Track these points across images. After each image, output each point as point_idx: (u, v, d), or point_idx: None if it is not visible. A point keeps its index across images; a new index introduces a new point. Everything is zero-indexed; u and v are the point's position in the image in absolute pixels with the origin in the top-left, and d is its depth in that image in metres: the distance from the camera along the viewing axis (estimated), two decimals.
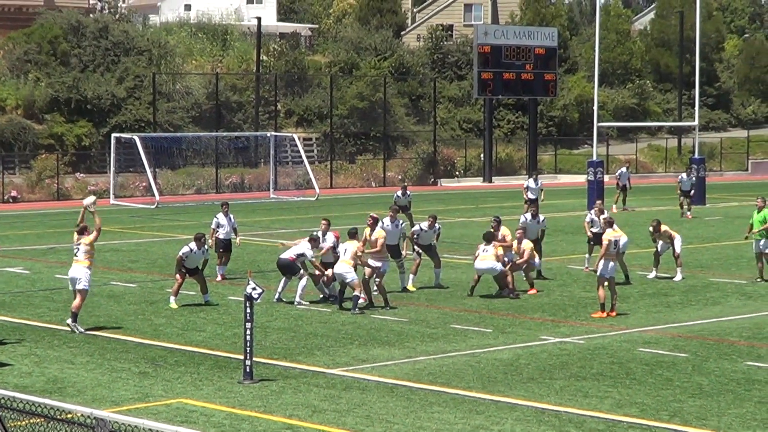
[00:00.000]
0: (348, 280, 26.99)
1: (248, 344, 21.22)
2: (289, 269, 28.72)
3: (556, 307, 29.78)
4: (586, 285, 32.97)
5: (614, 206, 50.69)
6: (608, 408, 19.86)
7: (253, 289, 21.46)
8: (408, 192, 44.43)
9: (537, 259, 31.22)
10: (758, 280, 33.11)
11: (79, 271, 24.91)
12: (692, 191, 51.08)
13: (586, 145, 75.50)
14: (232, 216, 33.04)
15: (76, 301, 25.03)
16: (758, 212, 33.54)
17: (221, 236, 32.11)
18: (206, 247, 28.97)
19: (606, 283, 27.59)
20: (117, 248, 40.48)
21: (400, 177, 65.86)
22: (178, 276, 28.26)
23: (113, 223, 46.37)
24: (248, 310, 21.21)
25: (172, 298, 28.37)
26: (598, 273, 27.75)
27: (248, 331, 21.20)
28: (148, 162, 57.76)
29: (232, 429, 17.94)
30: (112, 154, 58.78)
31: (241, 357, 21.36)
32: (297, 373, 22.40)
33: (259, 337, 22.93)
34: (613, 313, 27.42)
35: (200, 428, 17.21)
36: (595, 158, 55.33)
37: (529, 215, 34.18)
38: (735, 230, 45.55)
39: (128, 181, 60.75)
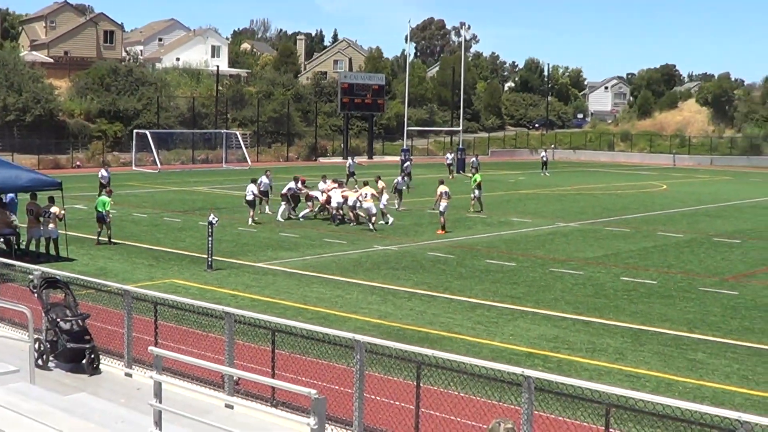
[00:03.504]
0: (373, 212, 41.94)
1: (210, 249, 30.80)
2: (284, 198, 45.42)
3: (383, 230, 41.49)
4: (399, 217, 46.03)
5: (450, 176, 72.13)
6: (410, 285, 28.70)
7: (213, 218, 30.96)
8: (354, 162, 68.80)
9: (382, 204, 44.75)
10: (472, 211, 48.64)
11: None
12: (453, 165, 79.17)
13: (400, 140, 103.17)
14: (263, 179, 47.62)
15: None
16: (473, 176, 51.23)
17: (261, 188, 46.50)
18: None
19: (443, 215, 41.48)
20: (136, 194, 54.82)
21: (296, 156, 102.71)
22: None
23: (134, 180, 65.97)
24: (210, 230, 30.71)
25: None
26: (440, 209, 41.52)
27: (210, 242, 30.78)
28: (154, 146, 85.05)
29: (201, 296, 24.57)
30: (134, 141, 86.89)
31: (206, 256, 31.03)
32: (237, 265, 31.81)
33: (216, 245, 32.02)
34: (443, 231, 40.94)
35: (182, 296, 21.22)
36: (405, 147, 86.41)
37: (399, 178, 51.69)
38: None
39: (143, 157, 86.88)
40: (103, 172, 53.27)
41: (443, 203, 41.90)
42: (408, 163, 70.17)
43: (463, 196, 52.85)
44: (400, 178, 51.57)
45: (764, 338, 22.62)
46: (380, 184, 46.98)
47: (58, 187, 33.01)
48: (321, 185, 46.44)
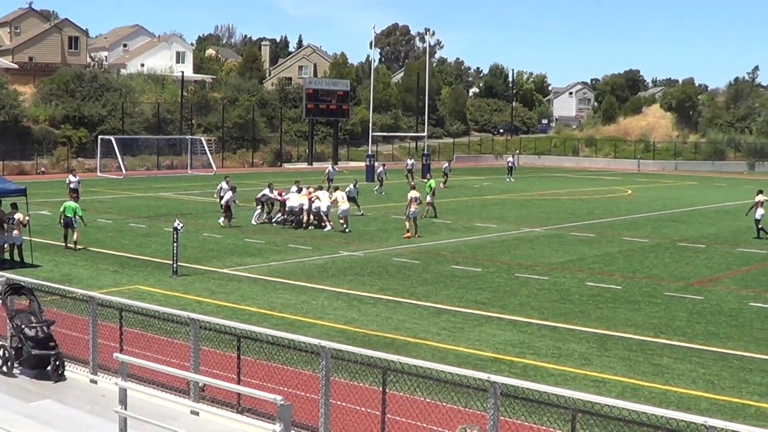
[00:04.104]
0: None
1: (175, 255, 30.75)
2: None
3: (347, 236, 41.66)
4: (365, 223, 46.27)
5: (413, 181, 69.28)
6: (376, 291, 28.67)
7: (178, 224, 30.92)
8: (334, 169, 69.59)
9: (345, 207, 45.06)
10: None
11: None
12: (412, 170, 76.19)
13: (365, 146, 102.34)
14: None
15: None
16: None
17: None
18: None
19: (411, 219, 41.94)
20: (101, 200, 54.36)
21: (261, 162, 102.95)
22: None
23: (99, 186, 64.77)
24: (175, 236, 30.65)
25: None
26: (409, 214, 41.86)
27: (175, 248, 30.75)
28: (119, 152, 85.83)
29: (166, 302, 24.89)
30: (99, 148, 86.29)
31: (171, 262, 31.00)
32: (202, 271, 31.86)
33: (181, 251, 31.84)
34: (417, 235, 41.63)
35: (147, 302, 22.15)
36: (370, 152, 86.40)
37: (351, 185, 50.16)
38: (446, 192, 64.55)
39: (108, 163, 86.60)
40: (71, 177, 52.98)
41: (413, 208, 42.16)
42: (381, 169, 70.65)
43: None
44: (351, 186, 51.40)
45: (729, 343, 22.80)
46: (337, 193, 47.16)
47: (23, 194, 32.83)
48: (293, 189, 46.81)
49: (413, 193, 43.02)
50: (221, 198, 46.68)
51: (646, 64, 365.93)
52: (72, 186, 51.16)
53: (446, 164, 76.87)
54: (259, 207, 46.82)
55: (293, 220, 45.04)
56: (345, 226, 43.58)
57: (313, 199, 45.04)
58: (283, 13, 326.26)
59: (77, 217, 36.87)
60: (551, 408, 11.74)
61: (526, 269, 33.57)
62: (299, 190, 46.26)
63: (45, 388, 16.58)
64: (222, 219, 45.02)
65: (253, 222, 45.61)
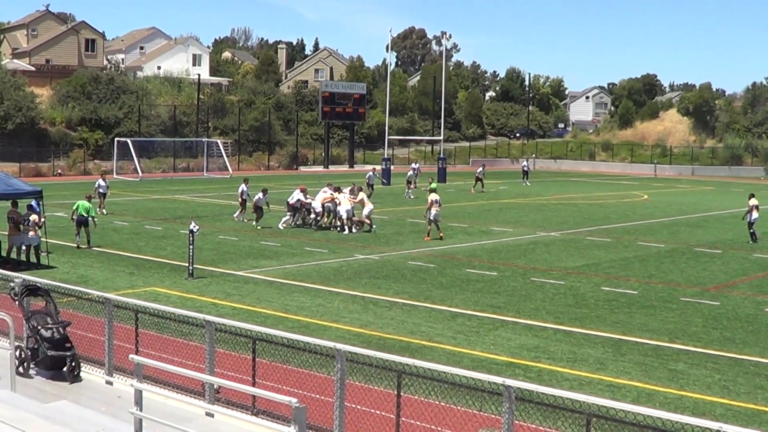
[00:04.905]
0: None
1: (191, 257, 30.87)
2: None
3: (363, 239, 41.84)
4: (380, 226, 45.93)
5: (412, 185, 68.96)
6: (391, 294, 28.67)
7: (194, 226, 31.08)
8: (375, 174, 67.79)
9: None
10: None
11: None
12: (417, 175, 73.80)
13: (381, 149, 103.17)
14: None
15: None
16: (429, 185, 49.69)
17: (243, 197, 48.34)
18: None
19: (433, 222, 42.23)
20: (117, 203, 54.19)
21: (277, 165, 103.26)
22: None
23: (115, 188, 63.38)
24: (191, 238, 30.76)
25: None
26: (431, 216, 42.11)
27: (191, 250, 30.86)
28: (135, 154, 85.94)
29: (182, 304, 24.42)
30: (115, 150, 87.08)
31: (187, 264, 31.11)
32: (218, 273, 31.92)
33: (197, 254, 32.23)
34: (440, 236, 41.97)
35: (163, 304, 22.01)
36: (386, 156, 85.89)
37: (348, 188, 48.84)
38: (462, 196, 65.06)
39: (124, 165, 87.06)
40: (101, 181, 51.78)
41: (434, 210, 42.25)
42: (414, 168, 72.73)
43: (445, 205, 52.53)
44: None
45: (745, 349, 22.77)
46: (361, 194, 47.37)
47: (39, 196, 33.03)
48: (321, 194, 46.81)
49: (434, 196, 43.11)
50: (244, 201, 47.56)
51: (664, 68, 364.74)
52: (101, 191, 50.67)
53: (480, 168, 76.00)
54: (290, 213, 46.32)
55: (316, 221, 45.60)
56: (372, 226, 44.30)
57: (337, 201, 45.21)
58: (300, 17, 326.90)
59: (90, 217, 37.17)
60: (566, 412, 11.78)
61: (542, 273, 33.54)
62: (339, 190, 46.56)
63: (61, 389, 16.61)
64: (255, 222, 45.53)
65: (280, 227, 45.18)
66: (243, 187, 48.17)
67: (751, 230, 44.49)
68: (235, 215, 48.82)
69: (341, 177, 72.38)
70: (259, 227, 44.96)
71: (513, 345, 22.53)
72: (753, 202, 44.67)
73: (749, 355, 22.21)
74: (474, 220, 50.34)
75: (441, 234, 42.40)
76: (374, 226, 44.55)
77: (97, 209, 47.99)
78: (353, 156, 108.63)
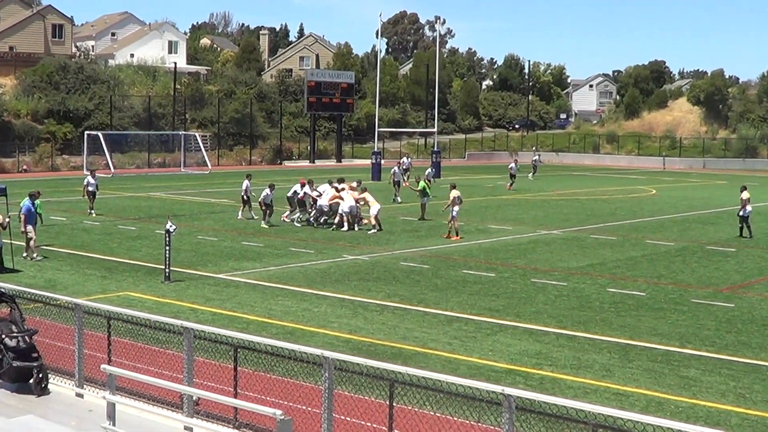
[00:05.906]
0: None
1: (167, 259, 30.64)
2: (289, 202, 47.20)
3: (352, 239, 41.87)
4: (370, 226, 45.52)
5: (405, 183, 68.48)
6: (382, 297, 28.47)
7: (171, 226, 30.78)
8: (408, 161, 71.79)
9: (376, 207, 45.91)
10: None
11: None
12: (408, 170, 72.30)
13: (371, 142, 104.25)
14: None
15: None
16: (418, 183, 50.77)
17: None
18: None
19: (454, 220, 42.50)
20: (87, 201, 51.34)
21: (260, 160, 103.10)
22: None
23: None
24: (167, 239, 30.51)
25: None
26: (453, 213, 42.32)
27: (167, 251, 30.62)
28: (107, 149, 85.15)
29: (158, 310, 24.77)
30: (85, 144, 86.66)
31: (163, 267, 30.92)
32: (197, 276, 31.79)
33: (174, 255, 31.91)
34: (458, 237, 42.31)
35: (138, 310, 20.85)
36: (376, 149, 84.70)
37: (354, 182, 49.37)
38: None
39: (95, 160, 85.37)
40: (90, 178, 50.97)
41: (456, 208, 42.47)
42: (429, 171, 70.29)
43: (437, 202, 52.72)
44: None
45: (761, 354, 22.78)
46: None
47: (2, 194, 32.80)
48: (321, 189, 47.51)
49: (455, 192, 43.25)
50: (247, 198, 48.15)
51: (673, 54, 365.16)
52: (90, 189, 50.05)
53: (536, 156, 75.78)
54: (299, 209, 47.18)
55: (324, 221, 46.15)
56: (378, 225, 44.61)
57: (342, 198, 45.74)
58: (283, 0, 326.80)
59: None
60: (570, 423, 11.75)
61: (543, 274, 33.52)
62: (345, 187, 46.96)
63: (27, 402, 16.55)
64: (262, 222, 45.83)
65: (296, 224, 46.30)
66: (246, 183, 48.58)
67: (746, 224, 44.69)
68: (238, 215, 48.99)
69: (328, 172, 72.21)
70: (266, 226, 45.22)
71: (513, 351, 22.45)
72: (745, 195, 44.77)
73: (766, 360, 22.21)
74: (470, 218, 50.13)
75: (456, 236, 42.63)
76: (381, 228, 44.61)
77: (88, 210, 49.26)
78: (341, 150, 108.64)
